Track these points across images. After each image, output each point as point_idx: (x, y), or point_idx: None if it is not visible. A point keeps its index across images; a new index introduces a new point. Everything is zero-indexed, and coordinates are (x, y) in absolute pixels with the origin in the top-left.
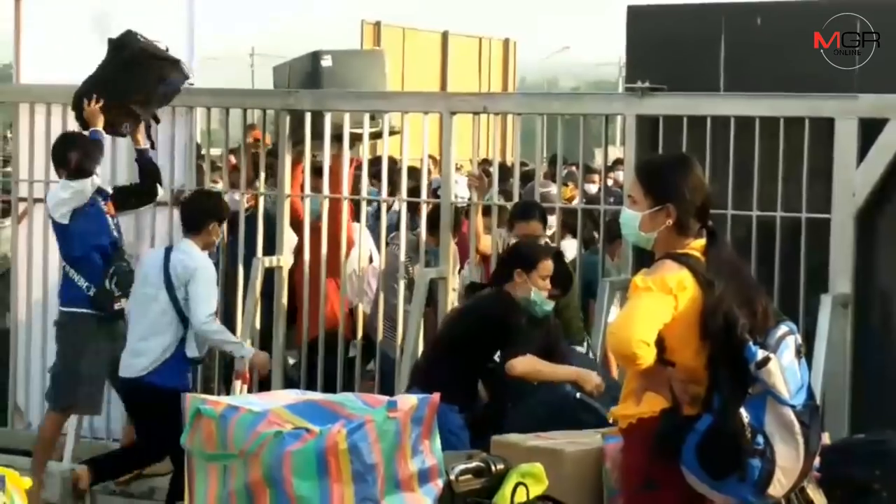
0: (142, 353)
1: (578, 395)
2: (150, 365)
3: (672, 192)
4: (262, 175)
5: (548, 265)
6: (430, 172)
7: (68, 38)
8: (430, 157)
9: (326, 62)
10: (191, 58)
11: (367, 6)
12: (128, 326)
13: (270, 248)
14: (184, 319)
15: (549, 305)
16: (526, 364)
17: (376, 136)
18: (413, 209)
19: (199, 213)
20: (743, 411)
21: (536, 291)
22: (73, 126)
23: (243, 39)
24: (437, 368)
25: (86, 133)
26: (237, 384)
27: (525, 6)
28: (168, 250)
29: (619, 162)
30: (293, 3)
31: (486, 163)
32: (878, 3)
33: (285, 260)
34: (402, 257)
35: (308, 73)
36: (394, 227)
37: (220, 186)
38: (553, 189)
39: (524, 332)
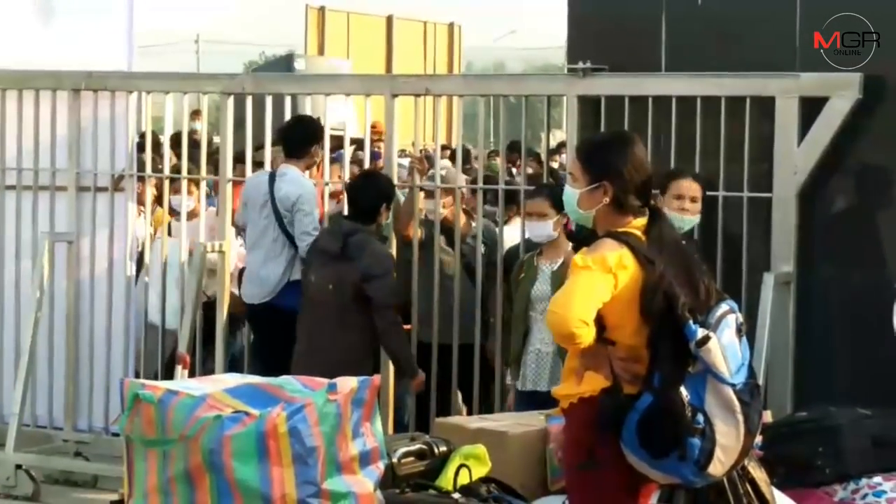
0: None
1: None
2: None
3: (609, 169)
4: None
5: (680, 185)
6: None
7: (8, 22)
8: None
9: (300, 64)
10: (130, 44)
11: None
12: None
13: None
14: (293, 243)
15: (689, 224)
16: None
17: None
18: None
19: (301, 137)
20: (683, 390)
21: (672, 213)
22: (28, 111)
23: (189, 25)
24: None
25: None
26: (178, 368)
27: None
28: (272, 175)
29: (563, 145)
30: None
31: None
32: None
33: (227, 245)
34: None
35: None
36: None
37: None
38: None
39: None
